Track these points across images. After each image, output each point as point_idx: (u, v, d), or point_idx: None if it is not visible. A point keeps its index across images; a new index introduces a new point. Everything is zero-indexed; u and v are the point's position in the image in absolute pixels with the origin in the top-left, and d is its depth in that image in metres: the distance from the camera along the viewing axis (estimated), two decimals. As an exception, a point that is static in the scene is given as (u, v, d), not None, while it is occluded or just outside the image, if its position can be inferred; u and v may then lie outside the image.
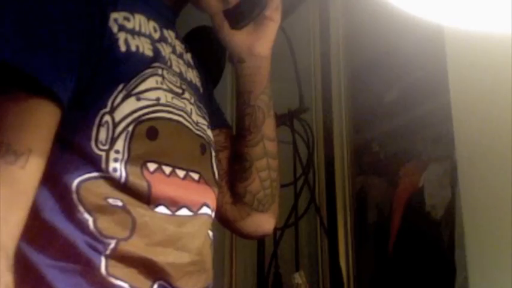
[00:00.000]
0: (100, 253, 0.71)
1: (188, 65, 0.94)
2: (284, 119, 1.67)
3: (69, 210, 0.71)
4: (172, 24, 0.92)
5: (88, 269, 0.70)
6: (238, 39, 0.96)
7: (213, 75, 1.53)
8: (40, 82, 0.67)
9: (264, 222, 1.00)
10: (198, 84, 0.95)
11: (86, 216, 0.71)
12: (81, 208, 0.71)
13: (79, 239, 0.71)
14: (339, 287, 1.53)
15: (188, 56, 0.96)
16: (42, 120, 0.68)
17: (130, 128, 0.74)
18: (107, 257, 0.71)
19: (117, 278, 0.71)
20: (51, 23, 0.70)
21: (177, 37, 0.92)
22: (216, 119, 0.99)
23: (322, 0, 1.80)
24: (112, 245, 0.72)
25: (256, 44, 0.96)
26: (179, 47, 0.92)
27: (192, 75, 0.94)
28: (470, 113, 1.10)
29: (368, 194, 1.55)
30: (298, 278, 1.53)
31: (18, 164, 0.65)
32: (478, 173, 1.07)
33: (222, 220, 1.00)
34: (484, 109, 1.07)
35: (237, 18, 0.95)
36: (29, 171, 0.66)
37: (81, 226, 0.71)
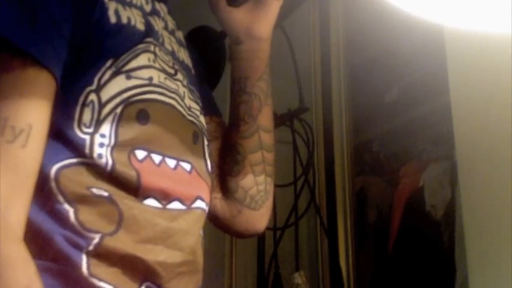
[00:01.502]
0: (81, 250, 0.63)
1: (180, 43, 0.86)
2: (284, 119, 1.67)
3: (46, 200, 0.63)
4: None
5: (67, 268, 0.62)
6: (235, 17, 0.87)
7: (212, 76, 1.53)
8: (33, 56, 0.60)
9: (256, 221, 0.90)
10: (190, 65, 0.87)
11: (66, 207, 0.63)
12: (60, 198, 0.63)
13: (57, 234, 0.63)
14: (339, 287, 1.53)
15: (180, 34, 0.88)
16: (41, 92, 0.61)
17: (118, 110, 0.67)
18: (89, 255, 0.63)
19: (100, 279, 0.64)
20: None
21: (169, 12, 0.85)
22: (206, 105, 0.89)
23: (322, 0, 1.80)
24: (96, 240, 0.64)
25: (256, 24, 0.87)
26: (171, 23, 0.85)
27: (184, 55, 0.86)
28: (470, 113, 1.10)
29: (368, 194, 1.55)
30: (298, 278, 1.53)
31: (19, 143, 0.58)
32: (478, 173, 1.07)
33: (210, 216, 0.88)
34: (484, 109, 1.07)
35: None
36: (30, 151, 0.59)
37: (60, 218, 0.63)
